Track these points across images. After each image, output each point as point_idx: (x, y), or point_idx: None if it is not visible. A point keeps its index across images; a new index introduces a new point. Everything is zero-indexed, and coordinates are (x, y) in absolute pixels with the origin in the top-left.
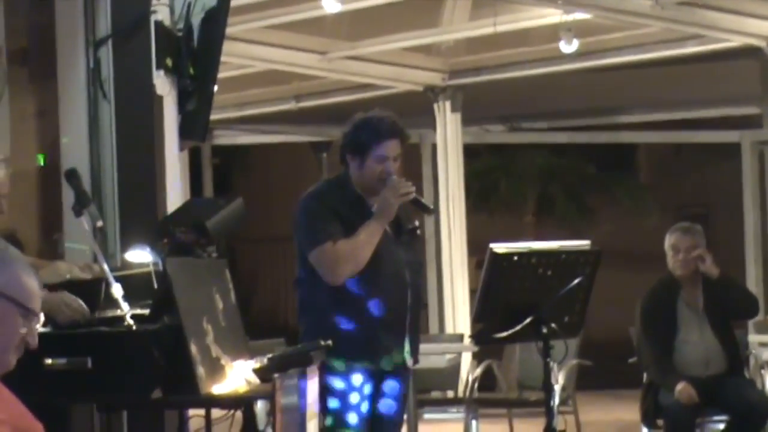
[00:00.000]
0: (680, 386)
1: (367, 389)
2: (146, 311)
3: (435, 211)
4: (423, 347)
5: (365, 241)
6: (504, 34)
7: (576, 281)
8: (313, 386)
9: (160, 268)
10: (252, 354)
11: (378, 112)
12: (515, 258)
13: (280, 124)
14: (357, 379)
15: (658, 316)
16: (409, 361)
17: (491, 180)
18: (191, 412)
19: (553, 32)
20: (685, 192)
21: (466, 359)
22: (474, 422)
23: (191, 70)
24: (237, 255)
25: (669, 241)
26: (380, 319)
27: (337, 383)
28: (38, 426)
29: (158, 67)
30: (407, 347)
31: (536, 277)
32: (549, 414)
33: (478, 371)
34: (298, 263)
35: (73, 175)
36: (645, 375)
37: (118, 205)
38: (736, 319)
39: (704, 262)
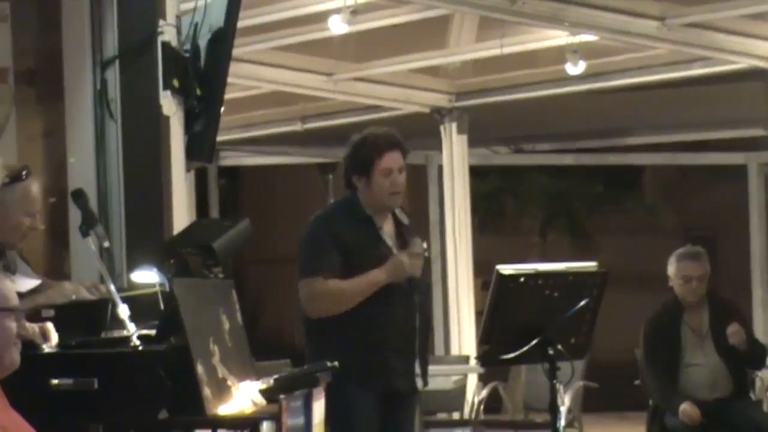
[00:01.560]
0: (683, 406)
1: (377, 412)
2: (153, 332)
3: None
4: (429, 369)
5: (359, 291)
6: (511, 56)
7: (583, 302)
8: (319, 407)
9: (167, 288)
10: (258, 375)
11: (374, 128)
12: (522, 279)
13: (286, 145)
14: (367, 401)
15: (661, 341)
16: (419, 384)
17: (498, 201)
18: None
19: (559, 54)
20: (691, 214)
21: (472, 381)
22: None
23: (198, 91)
24: (243, 276)
25: (677, 269)
26: (389, 342)
27: (345, 405)
28: None
29: (165, 88)
30: (417, 370)
31: (543, 298)
32: None
33: (484, 393)
34: None
35: (79, 195)
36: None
37: (125, 225)
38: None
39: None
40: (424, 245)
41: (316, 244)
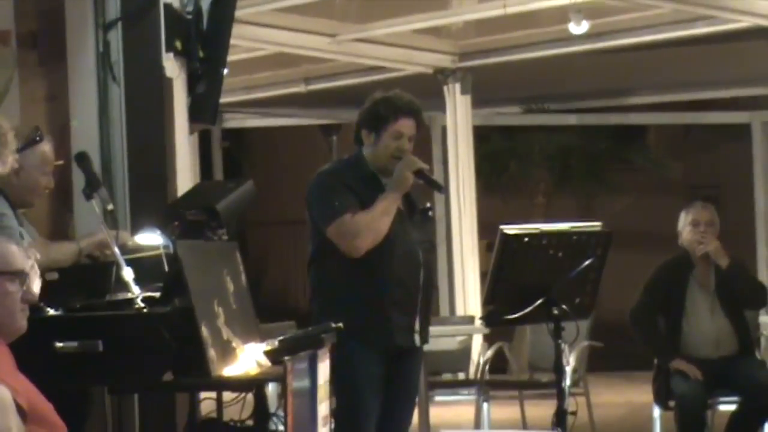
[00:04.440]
0: (676, 363)
1: (380, 369)
2: (157, 294)
3: (445, 190)
4: (434, 329)
5: (383, 211)
6: (514, 16)
7: (587, 262)
8: (324, 368)
9: (171, 250)
10: (263, 336)
11: (398, 92)
12: (526, 239)
13: (289, 107)
14: (369, 359)
15: (667, 288)
16: (418, 341)
17: (501, 162)
18: (202, 394)
19: (562, 14)
20: (695, 173)
21: (477, 341)
22: (485, 404)
23: (201, 53)
24: (247, 238)
25: (688, 217)
26: (392, 298)
27: (349, 364)
28: (49, 405)
29: (168, 50)
30: (417, 327)
31: (547, 258)
32: (560, 395)
33: (489, 353)
34: (311, 243)
35: (83, 158)
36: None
37: (129, 188)
38: (743, 308)
39: (711, 250)
40: (428, 205)
41: (329, 190)
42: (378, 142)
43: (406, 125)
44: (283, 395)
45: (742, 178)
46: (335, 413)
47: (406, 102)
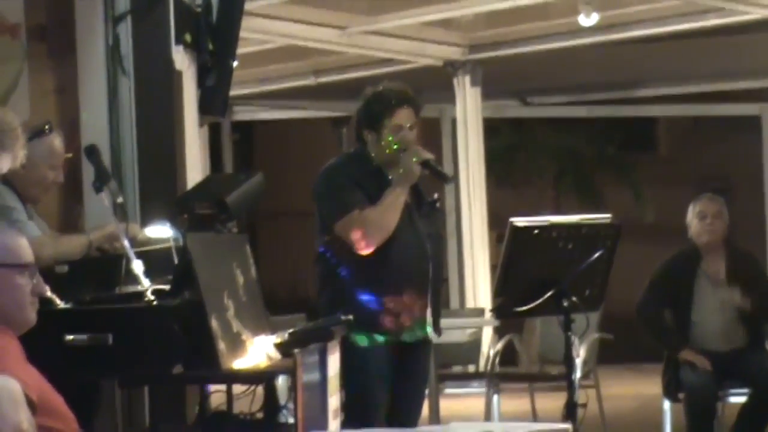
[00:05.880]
0: (685, 354)
1: (389, 362)
2: (167, 287)
3: (453, 180)
4: (444, 322)
5: (391, 206)
6: (524, 8)
7: (597, 254)
8: (334, 361)
9: (181, 243)
10: (273, 329)
11: (388, 84)
12: (536, 231)
13: (299, 99)
14: (379, 352)
15: (674, 282)
16: (432, 334)
17: (511, 154)
18: (212, 387)
19: (572, 5)
20: (705, 165)
21: (487, 334)
22: (495, 396)
23: (210, 46)
24: (257, 230)
25: (695, 209)
26: (401, 292)
27: (359, 357)
28: (59, 398)
29: (177, 43)
30: (429, 320)
31: (557, 250)
32: (570, 388)
33: (499, 345)
34: (319, 236)
35: (93, 152)
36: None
37: (138, 180)
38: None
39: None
40: (436, 196)
41: (337, 185)
42: (380, 139)
43: (403, 116)
44: (293, 388)
45: (753, 170)
46: (345, 406)
47: (398, 93)
